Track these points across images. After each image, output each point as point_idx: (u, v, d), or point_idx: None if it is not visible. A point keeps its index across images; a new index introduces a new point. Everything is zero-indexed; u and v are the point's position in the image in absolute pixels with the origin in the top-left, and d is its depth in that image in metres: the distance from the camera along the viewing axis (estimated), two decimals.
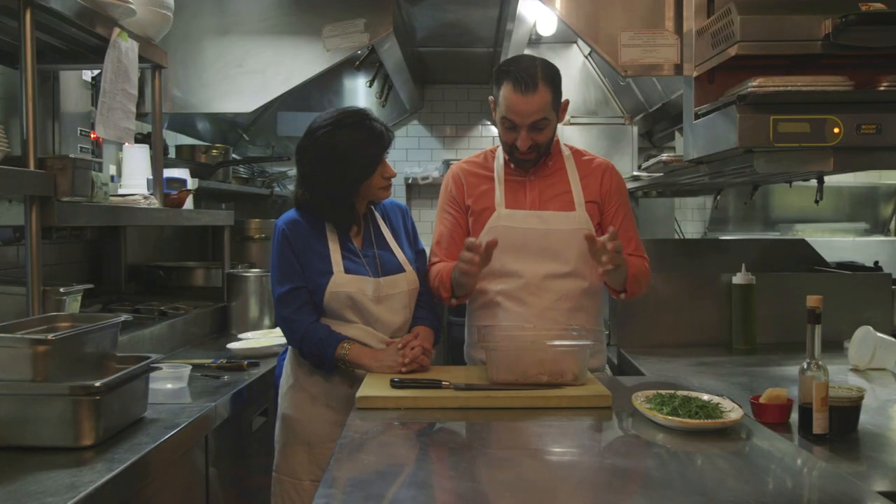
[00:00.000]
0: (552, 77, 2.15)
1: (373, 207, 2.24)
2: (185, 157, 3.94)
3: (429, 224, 3.15)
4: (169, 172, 3.03)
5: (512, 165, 2.25)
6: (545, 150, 2.21)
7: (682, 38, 2.55)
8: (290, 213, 2.16)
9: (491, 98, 2.21)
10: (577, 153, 2.30)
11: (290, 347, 2.21)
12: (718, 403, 1.67)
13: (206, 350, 2.88)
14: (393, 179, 2.19)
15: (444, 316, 2.29)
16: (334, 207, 2.12)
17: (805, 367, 1.67)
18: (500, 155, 2.29)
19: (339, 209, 2.13)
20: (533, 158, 2.19)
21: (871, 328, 2.41)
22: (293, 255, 2.09)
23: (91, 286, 2.47)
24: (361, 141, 2.07)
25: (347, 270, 2.09)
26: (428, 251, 2.32)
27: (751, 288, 2.78)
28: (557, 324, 2.12)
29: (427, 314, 2.22)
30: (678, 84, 3.17)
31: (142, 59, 2.53)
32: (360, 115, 2.12)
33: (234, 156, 4.55)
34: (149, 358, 1.86)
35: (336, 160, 2.07)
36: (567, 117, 4.46)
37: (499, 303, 2.19)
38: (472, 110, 5.77)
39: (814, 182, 3.03)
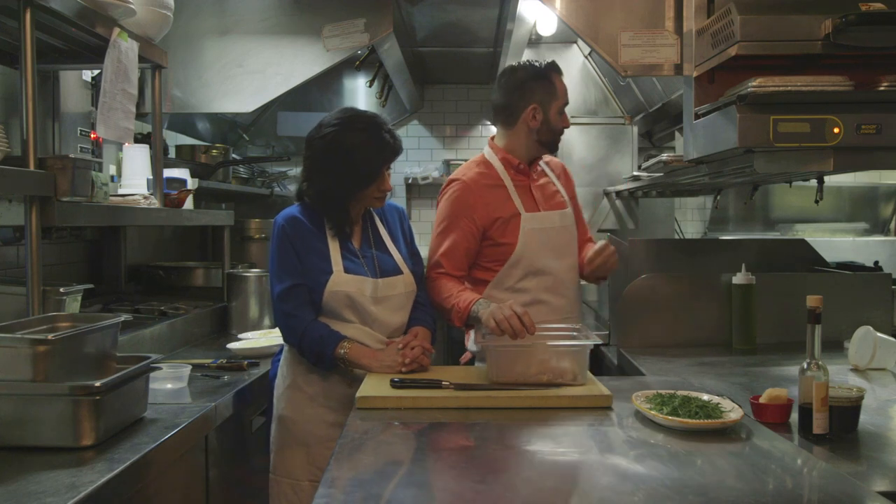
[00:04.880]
0: None
1: (370, 209, 2.24)
2: (185, 157, 3.94)
3: (428, 224, 3.14)
4: (169, 172, 3.03)
5: (515, 170, 2.42)
6: None
7: (682, 38, 2.55)
8: (290, 210, 2.16)
9: (535, 105, 2.37)
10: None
11: (285, 348, 2.20)
12: (718, 403, 1.67)
13: (206, 350, 2.88)
14: (392, 179, 2.19)
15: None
16: (327, 204, 2.12)
17: (805, 367, 1.67)
18: (497, 163, 2.42)
19: (332, 208, 2.13)
20: None
21: (871, 328, 2.41)
22: (293, 252, 2.09)
23: (91, 286, 2.47)
24: (366, 147, 2.07)
25: (347, 270, 2.09)
26: (424, 253, 2.33)
27: (751, 288, 2.78)
28: (576, 311, 2.40)
29: (424, 315, 2.22)
30: (678, 84, 3.17)
31: (142, 59, 2.53)
32: (372, 122, 2.11)
33: (234, 156, 4.55)
34: (149, 358, 1.86)
35: (337, 160, 2.07)
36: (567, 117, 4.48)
37: (544, 300, 2.35)
38: (472, 110, 5.77)
39: (814, 182, 3.03)
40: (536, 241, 2.37)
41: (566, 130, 4.54)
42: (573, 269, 2.46)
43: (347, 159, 2.06)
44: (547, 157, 2.56)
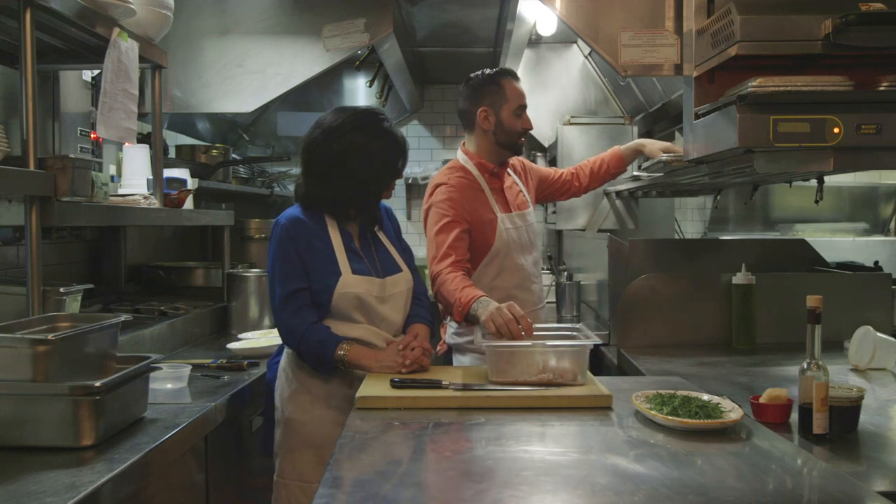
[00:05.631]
0: None
1: None
2: (185, 157, 3.94)
3: None
4: (169, 172, 3.03)
5: (489, 174, 2.58)
6: None
7: (682, 38, 2.55)
8: (292, 211, 2.14)
9: (485, 108, 2.53)
10: None
11: (286, 351, 2.19)
12: (718, 403, 1.67)
13: (206, 350, 2.88)
14: None
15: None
16: (357, 208, 2.14)
17: (805, 367, 1.67)
18: (472, 166, 2.59)
19: (362, 210, 2.15)
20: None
21: (871, 328, 2.41)
22: (296, 253, 2.07)
23: (91, 286, 2.47)
24: (389, 148, 2.11)
25: (354, 271, 2.08)
26: (420, 253, 2.36)
27: (751, 288, 2.78)
28: (542, 301, 2.62)
29: (422, 311, 2.23)
30: (678, 84, 3.17)
31: (142, 59, 2.53)
32: (377, 118, 2.12)
33: (234, 156, 4.55)
34: (149, 358, 1.86)
35: (364, 166, 2.08)
36: (567, 117, 4.48)
37: (514, 295, 2.47)
38: None
39: (814, 182, 3.02)
40: (509, 241, 2.55)
41: (565, 129, 4.57)
42: (537, 263, 2.69)
43: (376, 163, 2.09)
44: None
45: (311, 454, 2.09)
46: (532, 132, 2.78)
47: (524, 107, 2.58)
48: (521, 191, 2.70)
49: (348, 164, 2.07)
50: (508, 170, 2.70)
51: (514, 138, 2.58)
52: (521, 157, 2.79)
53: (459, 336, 2.58)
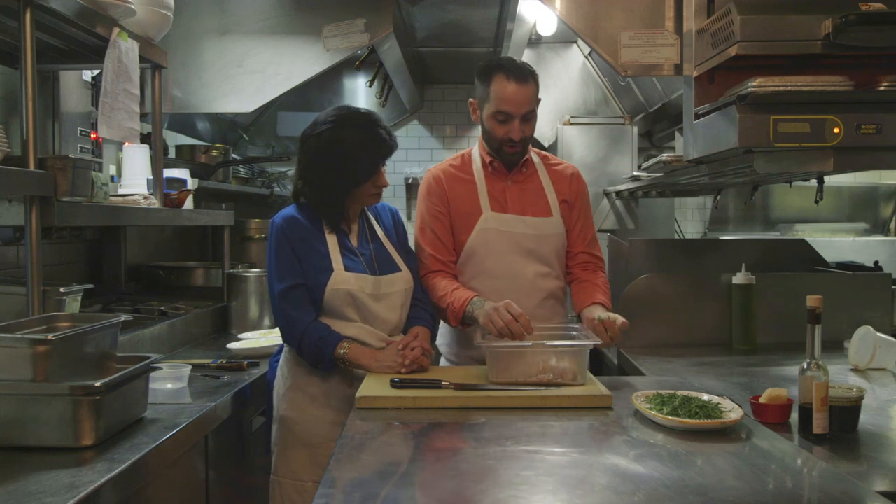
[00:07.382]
0: (536, 74, 2.29)
1: (365, 207, 2.24)
2: (185, 157, 3.94)
3: None
4: (169, 172, 3.03)
5: (490, 168, 2.35)
6: (529, 143, 2.34)
7: (682, 38, 2.55)
8: (288, 210, 2.16)
9: (473, 100, 2.32)
10: (545, 158, 2.43)
11: (284, 349, 2.20)
12: (718, 403, 1.67)
13: (206, 350, 2.88)
14: (391, 180, 2.20)
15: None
16: (324, 202, 2.13)
17: (805, 367, 1.67)
18: (478, 158, 2.38)
19: (329, 205, 2.13)
20: (519, 152, 2.30)
21: (871, 328, 2.41)
22: (292, 251, 2.09)
23: (91, 286, 2.47)
24: (363, 145, 2.08)
25: (347, 268, 2.09)
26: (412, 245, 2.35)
27: (751, 288, 2.78)
28: (545, 320, 2.20)
29: (423, 313, 2.23)
30: (678, 84, 3.17)
31: (142, 59, 2.53)
32: (367, 119, 2.12)
33: (234, 156, 4.55)
34: (149, 358, 1.86)
35: (334, 158, 2.08)
36: (567, 117, 4.49)
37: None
38: None
39: (814, 182, 3.03)
40: (492, 243, 2.27)
41: (565, 129, 4.56)
42: (542, 278, 2.30)
43: (344, 157, 2.07)
44: (555, 160, 2.43)
45: (304, 453, 2.10)
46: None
47: (506, 114, 2.20)
48: (544, 196, 2.35)
49: (325, 158, 2.08)
50: (541, 170, 2.38)
51: (493, 143, 2.29)
52: (574, 169, 2.43)
53: (444, 344, 2.48)
